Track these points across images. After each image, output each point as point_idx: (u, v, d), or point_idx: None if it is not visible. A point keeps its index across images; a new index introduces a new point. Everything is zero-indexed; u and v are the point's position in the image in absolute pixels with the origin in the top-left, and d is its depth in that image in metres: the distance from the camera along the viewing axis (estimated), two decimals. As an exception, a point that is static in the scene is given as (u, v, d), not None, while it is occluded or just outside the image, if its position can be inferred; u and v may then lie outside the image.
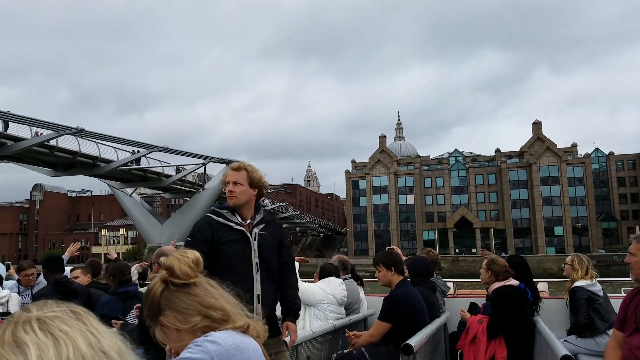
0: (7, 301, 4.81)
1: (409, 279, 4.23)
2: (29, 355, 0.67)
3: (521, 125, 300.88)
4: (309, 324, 4.22)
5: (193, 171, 40.48)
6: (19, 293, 5.24)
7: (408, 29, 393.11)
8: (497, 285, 4.13)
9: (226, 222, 2.80)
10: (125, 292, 4.23)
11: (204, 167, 39.68)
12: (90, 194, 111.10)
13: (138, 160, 35.62)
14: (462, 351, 4.03)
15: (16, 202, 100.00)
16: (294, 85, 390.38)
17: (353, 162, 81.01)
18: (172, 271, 1.37)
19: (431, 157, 78.63)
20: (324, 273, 4.70)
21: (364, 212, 73.64)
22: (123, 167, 34.08)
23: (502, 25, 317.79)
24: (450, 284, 5.69)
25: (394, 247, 5.71)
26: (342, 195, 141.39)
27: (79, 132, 25.91)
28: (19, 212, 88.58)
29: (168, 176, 39.98)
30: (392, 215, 71.44)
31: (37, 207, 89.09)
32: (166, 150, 33.05)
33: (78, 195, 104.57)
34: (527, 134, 74.45)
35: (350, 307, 4.65)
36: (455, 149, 76.70)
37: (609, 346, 2.73)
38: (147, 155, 34.65)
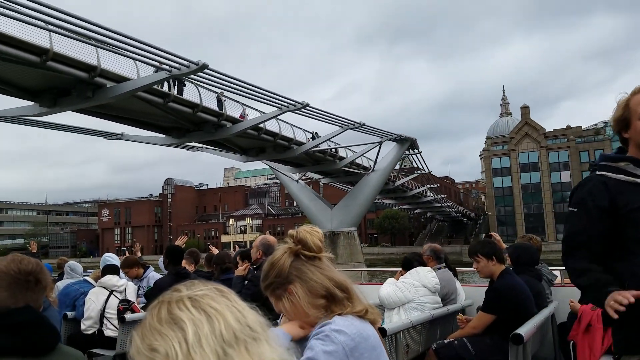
0: (125, 289, 5.21)
1: (511, 268, 3.97)
2: (186, 331, 0.71)
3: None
4: (406, 314, 4.02)
5: (363, 153, 37.45)
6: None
7: (508, 1, 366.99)
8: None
9: (634, 179, 1.90)
10: (227, 279, 4.38)
11: (379, 146, 36.43)
12: (206, 187, 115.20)
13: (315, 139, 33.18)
14: (575, 342, 3.54)
15: (141, 197, 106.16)
16: (385, 70, 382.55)
17: (489, 138, 74.59)
18: (305, 243, 1.40)
19: (583, 127, 69.77)
20: (408, 265, 4.45)
21: (509, 193, 67.11)
22: (308, 150, 31.84)
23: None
24: (557, 272, 5.05)
25: (492, 233, 5.02)
26: (456, 178, 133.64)
27: (304, 107, 23.34)
28: (154, 206, 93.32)
29: (342, 158, 37.34)
30: (546, 195, 64.27)
31: (169, 200, 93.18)
32: (361, 127, 30.07)
33: (197, 188, 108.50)
34: None
35: (446, 297, 4.49)
36: (615, 117, 67.21)
37: None
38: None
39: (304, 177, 43.56)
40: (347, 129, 30.08)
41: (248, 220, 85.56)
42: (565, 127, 68.24)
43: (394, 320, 3.88)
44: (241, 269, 4.36)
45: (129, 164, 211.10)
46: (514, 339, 2.85)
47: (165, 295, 0.79)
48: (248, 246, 8.03)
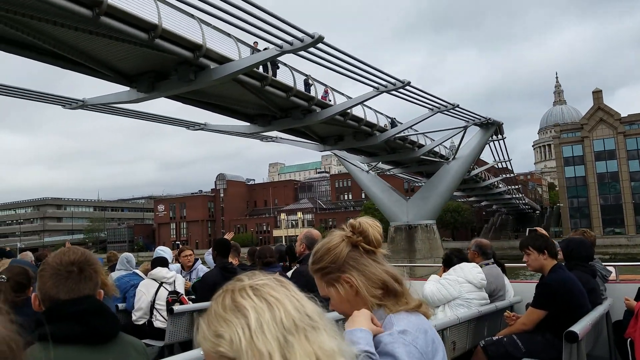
0: (174, 281, 5.27)
1: (563, 263, 3.86)
2: (249, 318, 0.75)
3: None
4: (452, 310, 3.92)
5: (447, 139, 34.84)
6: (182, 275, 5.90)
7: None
8: None
9: None
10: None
11: (464, 131, 33.62)
12: (253, 182, 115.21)
13: (393, 125, 30.86)
14: (633, 339, 3.35)
15: (191, 193, 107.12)
16: (431, 61, 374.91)
17: (556, 125, 69.94)
18: (366, 235, 1.39)
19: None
20: (448, 261, 4.35)
21: (582, 183, 62.59)
22: (390, 137, 29.64)
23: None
24: (611, 268, 4.83)
25: (537, 228, 4.81)
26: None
27: (405, 86, 21.18)
28: (207, 201, 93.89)
29: (421, 145, 34.91)
30: (624, 184, 59.42)
31: (222, 195, 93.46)
32: (454, 108, 27.51)
33: (246, 183, 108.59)
34: None
35: (494, 293, 4.34)
36: None
37: None
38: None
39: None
40: (437, 112, 27.59)
41: (299, 214, 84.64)
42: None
43: (438, 317, 3.78)
44: None
45: (175, 162, 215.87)
46: (568, 337, 2.76)
47: (229, 285, 0.83)
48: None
